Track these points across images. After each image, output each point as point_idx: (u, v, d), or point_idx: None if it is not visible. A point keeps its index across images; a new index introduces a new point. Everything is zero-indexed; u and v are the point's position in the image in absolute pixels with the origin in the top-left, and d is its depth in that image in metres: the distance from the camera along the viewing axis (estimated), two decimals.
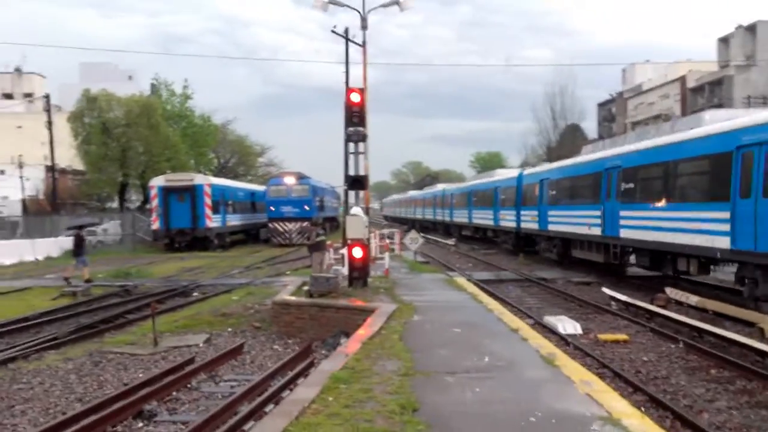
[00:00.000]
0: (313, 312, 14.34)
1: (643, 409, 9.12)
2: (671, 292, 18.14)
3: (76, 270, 23.86)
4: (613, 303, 18.00)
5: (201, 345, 13.95)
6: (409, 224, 69.70)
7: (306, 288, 16.36)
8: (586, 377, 7.92)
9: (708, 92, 76.27)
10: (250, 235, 50.76)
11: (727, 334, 12.82)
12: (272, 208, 44.51)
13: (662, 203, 18.55)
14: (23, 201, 56.29)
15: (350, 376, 7.92)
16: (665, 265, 19.54)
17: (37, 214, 49.45)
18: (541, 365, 8.56)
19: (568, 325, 14.73)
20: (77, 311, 18.25)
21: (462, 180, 76.69)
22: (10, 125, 69.68)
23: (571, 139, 76.69)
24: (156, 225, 39.53)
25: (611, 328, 15.18)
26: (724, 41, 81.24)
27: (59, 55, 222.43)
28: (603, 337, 13.86)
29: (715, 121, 16.81)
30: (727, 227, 15.11)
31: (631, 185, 20.62)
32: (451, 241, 45.02)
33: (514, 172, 37.14)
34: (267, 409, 8.47)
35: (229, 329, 15.44)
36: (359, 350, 9.33)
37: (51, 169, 45.97)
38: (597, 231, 22.78)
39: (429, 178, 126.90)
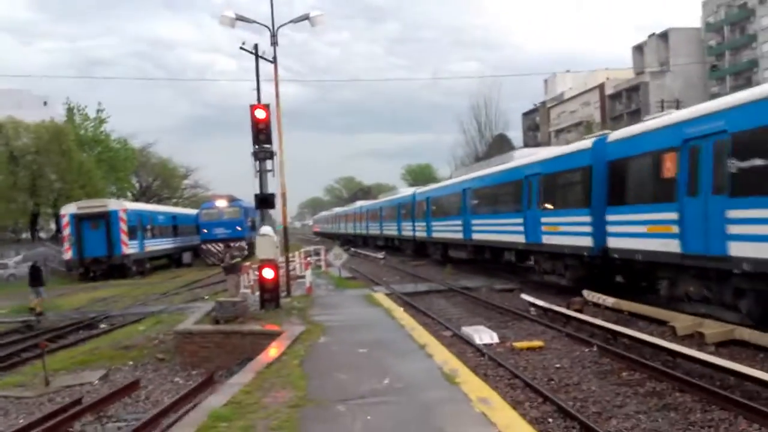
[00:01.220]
0: (218, 339, 13.56)
1: (551, 420, 8.85)
2: (588, 294, 18.11)
3: (38, 299, 23.73)
4: (532, 309, 17.87)
5: (96, 382, 12.98)
6: (338, 239, 71.72)
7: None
8: (485, 394, 7.50)
9: (625, 98, 79.00)
10: (172, 260, 49.09)
11: (638, 334, 12.74)
12: (205, 231, 46.12)
13: (494, 214, 25.62)
14: None
15: (233, 412, 7.27)
16: (501, 256, 27.16)
17: None
18: (441, 384, 8.11)
19: (484, 335, 14.44)
20: None
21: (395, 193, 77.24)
22: None
23: (498, 148, 77.88)
24: (69, 254, 37.66)
25: (529, 334, 14.97)
26: (639, 49, 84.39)
27: None
28: (518, 345, 13.60)
29: (520, 157, 24.65)
30: (522, 228, 22.26)
31: (476, 202, 28.09)
32: (380, 255, 44.66)
33: (410, 191, 43.80)
34: None
35: (130, 363, 14.47)
36: (252, 380, 8.69)
37: None
38: (461, 236, 29.73)
39: (361, 192, 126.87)
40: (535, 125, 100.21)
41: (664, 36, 79.55)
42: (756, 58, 72.68)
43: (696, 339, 12.71)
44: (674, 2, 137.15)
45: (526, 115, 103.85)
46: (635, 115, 62.09)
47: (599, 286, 17.85)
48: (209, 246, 45.65)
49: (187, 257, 49.20)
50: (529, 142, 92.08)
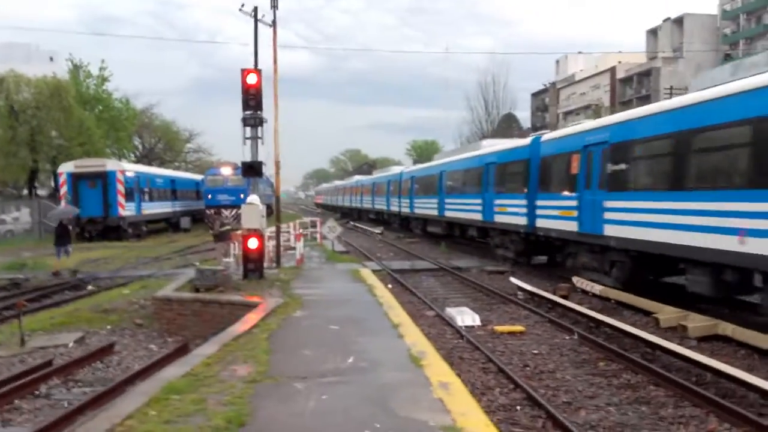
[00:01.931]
0: (195, 308, 13.44)
1: (519, 407, 8.69)
2: (577, 281, 17.94)
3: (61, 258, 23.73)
4: (519, 293, 17.71)
5: (71, 345, 12.86)
6: (337, 211, 73.12)
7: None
8: (447, 379, 7.32)
9: (636, 83, 78.00)
10: (171, 224, 48.98)
11: (619, 324, 12.57)
12: (209, 197, 46.76)
13: (462, 195, 29.04)
14: None
15: (189, 384, 7.11)
16: (466, 232, 30.31)
17: None
18: (406, 366, 7.93)
19: (466, 317, 14.28)
20: None
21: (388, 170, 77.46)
22: None
23: (506, 127, 77.29)
24: None
25: (512, 318, 14.81)
26: (653, 33, 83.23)
27: None
28: (499, 329, 13.44)
29: (486, 147, 27.39)
30: (481, 208, 25.68)
31: (450, 183, 31.23)
32: (377, 230, 44.48)
33: (399, 169, 47.94)
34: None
35: (108, 327, 14.36)
36: (216, 352, 8.53)
37: None
38: (436, 213, 33.26)
39: (366, 165, 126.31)
40: (544, 106, 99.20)
41: (679, 21, 78.34)
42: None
43: (679, 332, 12.54)
44: None
45: (535, 95, 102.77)
46: (645, 101, 61.31)
47: (529, 258, 22.82)
48: (212, 211, 45.87)
49: (185, 222, 49.06)
50: (537, 123, 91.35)
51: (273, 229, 21.80)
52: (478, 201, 25.91)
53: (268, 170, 60.34)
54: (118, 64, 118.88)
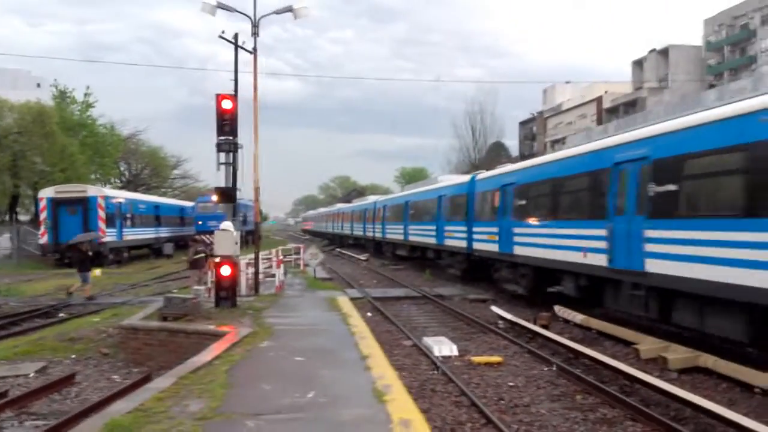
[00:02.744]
0: (162, 337, 12.97)
1: None
2: (559, 310, 17.62)
3: (83, 286, 23.21)
4: (500, 321, 17.34)
5: (31, 375, 12.36)
6: (323, 238, 74.51)
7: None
8: (409, 416, 6.93)
9: (622, 113, 78.38)
10: (153, 250, 48.39)
11: (598, 355, 12.21)
12: (200, 223, 48.81)
13: (421, 222, 32.90)
14: None
15: (134, 421, 6.70)
16: (425, 254, 33.48)
17: None
18: (368, 401, 7.54)
19: (444, 347, 13.89)
20: None
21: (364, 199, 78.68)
22: None
23: (494, 155, 77.32)
24: (44, 239, 36.95)
25: (491, 348, 14.43)
26: (639, 64, 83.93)
27: None
28: (476, 359, 13.05)
29: (441, 181, 31.98)
30: (435, 233, 29.93)
31: (412, 212, 35.55)
32: (363, 257, 44.10)
33: (373, 199, 54.02)
34: None
35: (73, 356, 13.85)
36: (170, 386, 8.11)
37: None
38: (402, 238, 37.48)
39: (355, 192, 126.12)
40: (532, 135, 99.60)
41: (664, 52, 79.12)
42: (755, 79, 72.17)
43: (660, 363, 12.19)
44: (677, 19, 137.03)
45: (523, 124, 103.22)
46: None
47: (474, 276, 25.77)
48: (203, 237, 45.87)
49: (168, 248, 48.49)
50: (525, 152, 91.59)
51: (263, 252, 21.46)
52: (433, 227, 30.22)
53: (250, 196, 60.46)
54: (110, 90, 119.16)
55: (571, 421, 9.35)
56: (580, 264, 15.69)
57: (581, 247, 15.57)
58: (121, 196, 43.21)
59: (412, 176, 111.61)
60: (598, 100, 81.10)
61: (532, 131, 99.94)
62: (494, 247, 21.83)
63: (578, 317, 16.48)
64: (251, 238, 52.06)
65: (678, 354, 12.05)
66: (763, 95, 10.61)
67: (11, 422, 9.50)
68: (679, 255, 11.94)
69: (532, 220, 18.92)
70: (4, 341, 15.41)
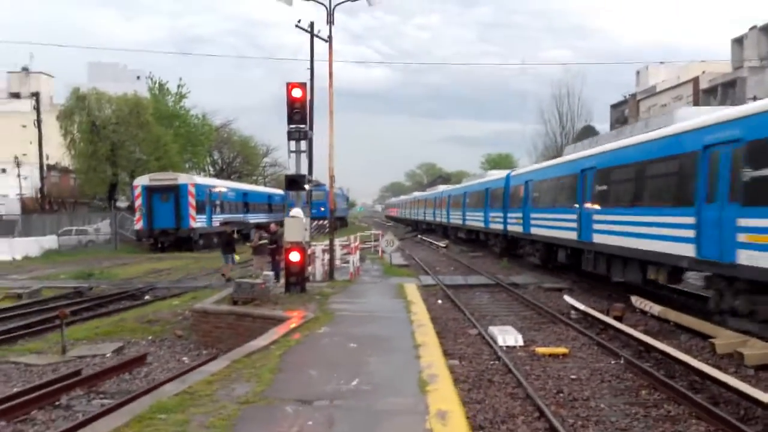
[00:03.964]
0: (230, 321, 13.38)
1: None
2: (636, 300, 16.94)
3: (228, 267, 24.26)
4: (572, 312, 16.85)
5: (109, 354, 13.06)
6: (405, 224, 76.35)
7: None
8: (448, 407, 6.83)
9: (721, 93, 74.18)
10: (242, 236, 49.92)
11: (668, 349, 11.61)
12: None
13: (474, 209, 39.30)
14: (21, 200, 56.07)
15: (180, 403, 6.92)
16: (478, 236, 39.70)
17: (39, 213, 49.05)
18: (411, 391, 7.49)
19: (509, 337, 13.61)
20: (9, 314, 17.45)
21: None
22: (16, 124, 69.80)
23: (585, 139, 74.93)
24: (139, 225, 38.89)
25: (558, 339, 14.05)
26: (738, 42, 79.00)
27: (79, 56, 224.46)
28: (540, 350, 12.73)
29: (489, 176, 38.20)
30: (482, 218, 36.28)
31: (469, 201, 41.25)
32: (442, 243, 43.94)
33: (442, 187, 61.90)
34: None
35: (150, 337, 14.53)
36: (222, 369, 8.35)
37: (40, 168, 45.56)
38: (461, 222, 43.87)
39: (441, 179, 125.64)
40: (624, 118, 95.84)
41: (766, 29, 74.10)
42: None
43: (736, 358, 11.51)
44: None
45: (614, 107, 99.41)
46: None
47: (512, 253, 31.00)
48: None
49: (254, 233, 49.92)
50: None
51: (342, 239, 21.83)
52: (481, 214, 36.44)
53: (338, 183, 61.55)
54: (203, 82, 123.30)
55: (631, 417, 8.96)
56: (568, 239, 21.74)
57: (572, 227, 21.10)
58: (211, 183, 44.81)
59: (497, 162, 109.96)
60: (695, 81, 76.97)
61: (624, 114, 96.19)
62: (520, 229, 27.81)
63: (656, 308, 15.77)
64: (338, 224, 53.70)
65: (756, 350, 11.32)
66: None
67: (80, 400, 10.05)
68: None
69: (542, 207, 25.02)
70: (89, 322, 16.31)
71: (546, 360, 12.18)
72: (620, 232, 17.33)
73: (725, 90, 71.41)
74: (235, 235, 25.28)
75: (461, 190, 44.99)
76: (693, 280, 17.23)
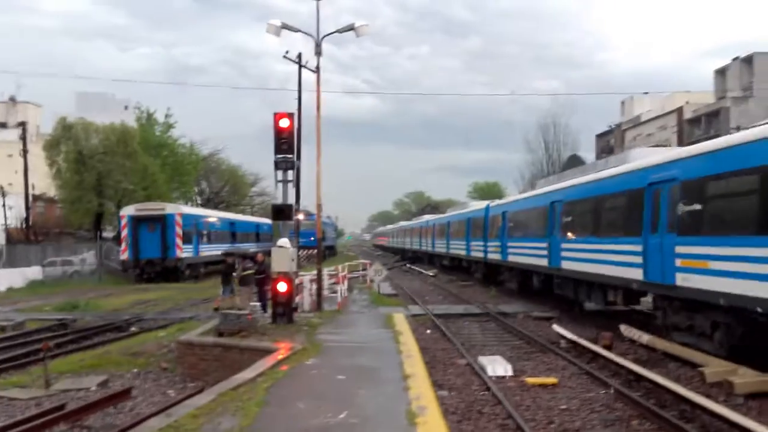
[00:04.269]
0: (216, 353, 13.21)
1: None
2: (625, 329, 16.93)
3: (226, 299, 23.32)
4: (562, 341, 16.81)
5: (93, 388, 12.84)
6: (393, 252, 77.38)
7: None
8: None
9: (705, 123, 75.23)
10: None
11: (657, 378, 11.60)
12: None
13: (456, 238, 41.50)
14: (6, 230, 55.55)
15: None
16: (461, 263, 41.47)
17: (24, 243, 48.53)
18: (399, 423, 7.41)
19: (498, 367, 13.53)
20: None
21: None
22: (2, 154, 69.45)
23: (571, 168, 75.54)
24: (125, 255, 38.58)
25: (548, 369, 13.98)
26: (721, 73, 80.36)
27: (73, 86, 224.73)
28: (530, 380, 12.66)
29: (470, 207, 41.17)
30: (465, 247, 38.60)
31: (451, 230, 43.72)
32: (431, 272, 43.90)
33: (426, 217, 63.65)
34: None
35: (135, 370, 14.31)
36: (208, 402, 8.23)
37: (25, 198, 45.25)
38: (445, 251, 46.35)
39: (429, 207, 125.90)
40: (609, 147, 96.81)
41: (748, 60, 75.47)
42: None
43: (726, 388, 11.49)
44: (761, 26, 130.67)
45: (600, 136, 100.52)
46: None
47: (492, 280, 32.25)
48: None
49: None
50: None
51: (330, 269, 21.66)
52: (464, 243, 38.39)
53: (326, 212, 61.40)
54: (194, 112, 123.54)
55: None
56: (541, 266, 23.05)
57: (543, 255, 22.46)
58: (198, 213, 44.64)
59: (485, 191, 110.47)
60: (679, 111, 78.10)
61: (609, 144, 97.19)
62: (498, 256, 29.46)
63: (644, 337, 15.76)
64: (327, 253, 53.51)
65: (746, 378, 11.31)
66: None
67: None
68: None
69: (517, 236, 26.89)
70: (73, 354, 16.08)
71: (536, 390, 12.10)
72: (584, 258, 18.96)
73: (709, 120, 72.46)
74: (237, 265, 24.71)
75: (445, 219, 47.58)
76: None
